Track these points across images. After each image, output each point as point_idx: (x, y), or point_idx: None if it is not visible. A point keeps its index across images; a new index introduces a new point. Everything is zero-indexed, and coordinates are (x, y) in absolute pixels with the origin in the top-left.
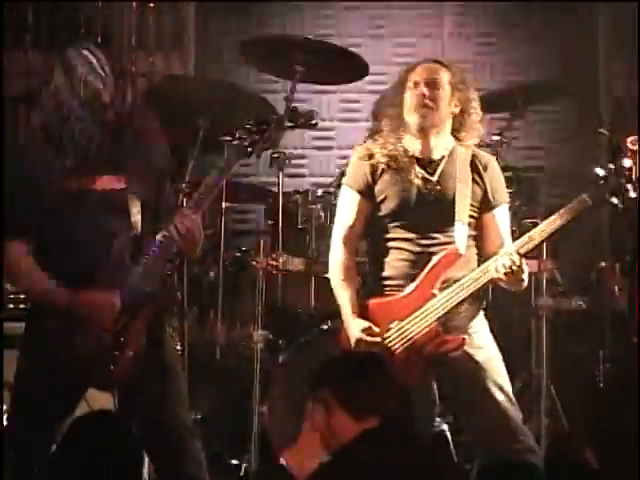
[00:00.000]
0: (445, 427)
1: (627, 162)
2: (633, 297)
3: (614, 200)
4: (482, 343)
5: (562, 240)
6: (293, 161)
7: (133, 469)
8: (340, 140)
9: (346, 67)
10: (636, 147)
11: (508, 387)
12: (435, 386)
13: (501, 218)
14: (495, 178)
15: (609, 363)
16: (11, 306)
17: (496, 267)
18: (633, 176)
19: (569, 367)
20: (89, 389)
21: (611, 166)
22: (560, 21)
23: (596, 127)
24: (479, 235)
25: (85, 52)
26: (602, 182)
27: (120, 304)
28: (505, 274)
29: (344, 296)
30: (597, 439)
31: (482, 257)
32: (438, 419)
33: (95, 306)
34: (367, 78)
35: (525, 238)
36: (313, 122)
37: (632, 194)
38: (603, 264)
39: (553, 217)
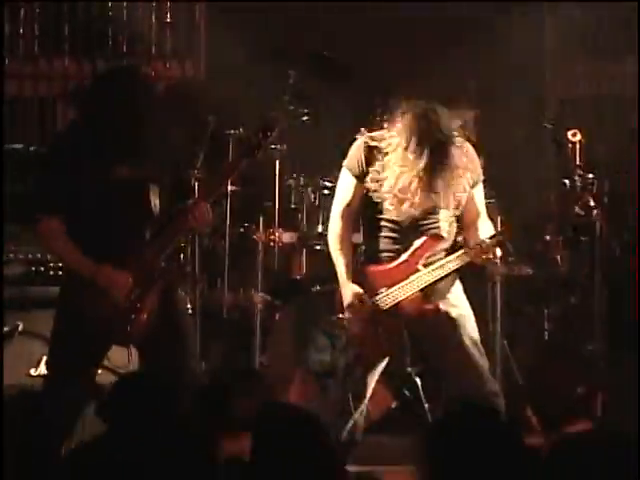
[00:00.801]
0: (417, 379)
1: (590, 175)
2: (573, 265)
3: (577, 209)
4: (456, 303)
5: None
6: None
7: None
8: None
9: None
10: (576, 139)
11: (478, 340)
12: (407, 337)
13: (478, 194)
14: (472, 161)
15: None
16: (51, 273)
17: (475, 253)
18: (594, 189)
19: (519, 323)
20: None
21: (576, 178)
22: (509, 23)
23: (542, 122)
24: (457, 213)
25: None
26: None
27: (136, 277)
28: (482, 261)
29: (341, 262)
30: (541, 385)
31: (462, 226)
32: (409, 368)
33: (111, 280)
34: None
35: (501, 231)
36: (305, 119)
37: (592, 203)
38: (548, 238)
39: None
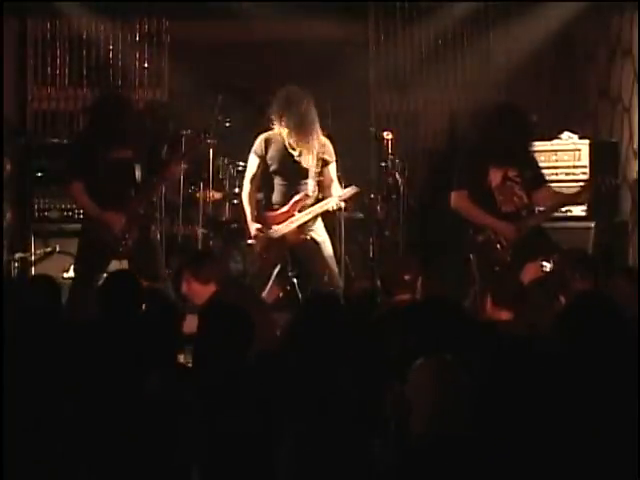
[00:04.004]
0: (295, 279)
1: (397, 161)
2: (387, 212)
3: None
4: (320, 233)
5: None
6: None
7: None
8: None
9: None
10: (389, 137)
11: (332, 255)
12: (289, 254)
13: (332, 170)
14: (328, 149)
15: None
16: (76, 216)
17: (330, 205)
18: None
19: (355, 247)
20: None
21: (388, 161)
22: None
23: (368, 128)
24: (321, 178)
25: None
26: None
27: (126, 219)
28: (333, 209)
29: (248, 210)
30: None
31: (321, 188)
32: (291, 272)
33: (109, 220)
34: None
35: (347, 190)
36: (228, 125)
37: (397, 176)
38: (372, 196)
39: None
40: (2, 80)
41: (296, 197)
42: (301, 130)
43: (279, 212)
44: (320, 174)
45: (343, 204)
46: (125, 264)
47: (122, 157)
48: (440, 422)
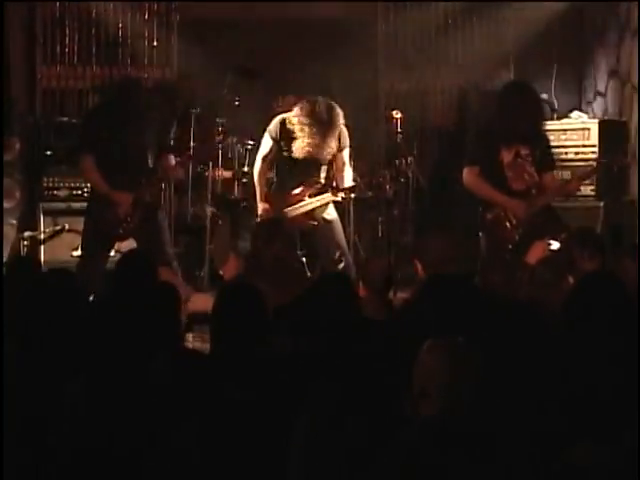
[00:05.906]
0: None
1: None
2: (396, 192)
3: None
4: (331, 213)
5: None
6: None
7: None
8: None
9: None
10: (397, 116)
11: (342, 234)
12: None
13: (345, 155)
14: (344, 134)
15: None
16: (85, 195)
17: (338, 195)
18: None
19: (365, 226)
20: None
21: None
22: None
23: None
24: (333, 164)
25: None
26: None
27: (133, 199)
28: (341, 199)
29: (259, 190)
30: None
31: (332, 174)
32: (299, 251)
33: (117, 199)
34: None
35: (353, 185)
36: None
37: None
38: (381, 180)
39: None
40: (4, 58)
41: (306, 183)
42: (321, 139)
43: (289, 195)
44: (333, 159)
45: (352, 195)
46: (128, 244)
47: (133, 137)
48: (450, 404)
